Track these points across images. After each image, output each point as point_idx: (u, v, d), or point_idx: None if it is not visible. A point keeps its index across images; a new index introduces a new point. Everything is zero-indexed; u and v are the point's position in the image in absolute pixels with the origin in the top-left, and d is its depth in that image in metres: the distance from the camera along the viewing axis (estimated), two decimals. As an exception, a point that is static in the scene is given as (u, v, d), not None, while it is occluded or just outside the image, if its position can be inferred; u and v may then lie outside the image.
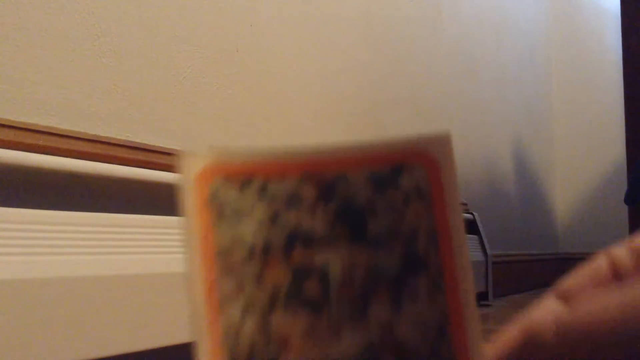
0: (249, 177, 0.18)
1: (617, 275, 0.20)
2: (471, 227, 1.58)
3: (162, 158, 0.74)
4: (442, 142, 0.18)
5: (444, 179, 0.18)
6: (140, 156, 0.71)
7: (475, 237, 1.55)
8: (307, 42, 1.11)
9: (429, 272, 0.18)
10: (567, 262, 2.56)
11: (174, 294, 0.65)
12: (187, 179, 0.18)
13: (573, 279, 0.21)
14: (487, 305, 1.53)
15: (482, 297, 1.55)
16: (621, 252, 0.20)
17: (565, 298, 0.21)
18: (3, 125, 0.57)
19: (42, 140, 0.60)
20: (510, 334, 0.19)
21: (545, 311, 0.20)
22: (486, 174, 1.83)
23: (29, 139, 0.59)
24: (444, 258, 0.18)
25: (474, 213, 1.60)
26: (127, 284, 0.60)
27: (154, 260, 0.64)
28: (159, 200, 0.74)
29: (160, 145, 0.77)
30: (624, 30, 1.07)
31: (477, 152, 1.80)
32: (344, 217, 0.18)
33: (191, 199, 0.18)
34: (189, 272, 0.18)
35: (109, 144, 0.67)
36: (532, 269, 2.16)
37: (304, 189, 0.18)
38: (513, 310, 1.44)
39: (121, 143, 0.69)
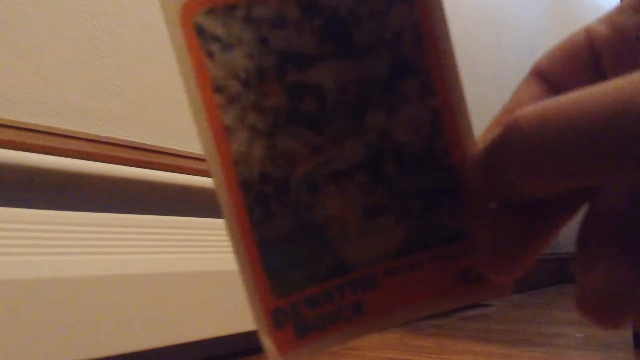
0: (230, 4, 0.18)
1: (594, 53, 0.18)
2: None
3: (162, 158, 0.74)
4: None
5: None
6: (140, 156, 0.71)
7: (475, 236, 1.55)
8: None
9: (417, 74, 0.18)
10: (567, 262, 2.55)
11: (174, 294, 0.65)
12: (171, 19, 0.18)
13: (551, 55, 0.19)
14: (488, 305, 1.53)
15: (482, 296, 1.55)
16: (600, 27, 0.18)
17: (546, 80, 0.19)
18: (3, 125, 0.57)
19: (42, 140, 0.60)
20: (493, 126, 0.19)
21: (527, 98, 0.19)
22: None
23: (29, 139, 0.59)
24: (431, 59, 0.18)
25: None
26: (127, 283, 0.60)
27: (154, 260, 0.64)
28: (159, 200, 0.74)
29: (160, 145, 0.77)
30: (624, 30, 1.07)
31: (477, 152, 1.80)
32: (330, 33, 0.18)
33: (179, 39, 0.18)
34: (191, 107, 0.18)
35: (109, 144, 0.67)
36: (532, 269, 2.16)
37: (287, 9, 0.18)
38: (513, 310, 1.44)
39: (121, 143, 0.69)
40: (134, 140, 0.74)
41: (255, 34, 0.18)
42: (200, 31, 0.18)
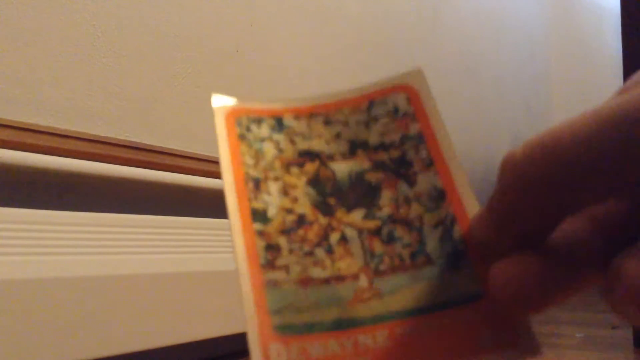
0: (265, 115, 0.23)
1: None
2: (471, 226, 1.57)
3: (162, 158, 0.74)
4: (416, 75, 0.24)
5: (422, 99, 0.23)
6: (140, 156, 0.71)
7: (475, 236, 1.55)
8: (307, 41, 1.11)
9: (422, 163, 0.22)
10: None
11: (174, 294, 0.65)
12: (219, 116, 0.22)
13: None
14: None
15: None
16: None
17: None
18: (3, 125, 0.57)
19: (42, 140, 0.60)
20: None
21: None
22: (485, 173, 1.83)
23: (29, 139, 0.59)
24: (433, 152, 0.22)
25: (474, 213, 1.59)
26: (127, 283, 0.60)
27: (154, 260, 0.64)
28: (159, 200, 0.74)
29: (160, 145, 0.77)
30: (624, 30, 1.07)
31: (477, 151, 1.80)
32: (346, 138, 0.22)
33: (222, 131, 0.22)
34: (223, 176, 0.21)
35: (109, 144, 0.67)
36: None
37: (313, 124, 0.23)
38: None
39: (121, 143, 0.69)
40: (134, 140, 0.74)
41: (286, 137, 0.22)
42: (239, 125, 0.22)
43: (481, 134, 1.87)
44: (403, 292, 0.19)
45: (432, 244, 0.20)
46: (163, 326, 0.63)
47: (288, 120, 0.22)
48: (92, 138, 0.66)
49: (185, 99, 0.83)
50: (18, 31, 0.63)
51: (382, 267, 0.19)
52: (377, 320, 0.19)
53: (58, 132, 0.62)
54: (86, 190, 0.65)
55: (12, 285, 0.50)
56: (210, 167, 0.80)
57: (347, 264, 0.19)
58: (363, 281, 0.19)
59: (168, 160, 0.74)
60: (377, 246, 0.20)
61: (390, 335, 0.18)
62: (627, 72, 1.03)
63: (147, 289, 0.62)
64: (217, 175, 0.83)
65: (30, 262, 0.52)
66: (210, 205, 0.80)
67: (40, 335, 0.52)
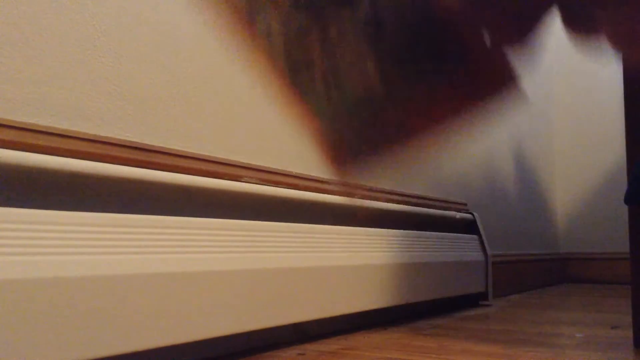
0: None
1: None
2: (471, 227, 1.57)
3: (162, 158, 0.74)
4: None
5: None
6: (140, 156, 0.71)
7: (475, 237, 1.55)
8: (307, 42, 1.11)
9: None
10: (567, 262, 2.55)
11: (174, 294, 0.65)
12: None
13: None
14: (487, 305, 1.53)
15: (482, 297, 1.55)
16: None
17: None
18: (3, 125, 0.57)
19: (42, 140, 0.60)
20: None
21: None
22: (486, 174, 1.83)
23: (29, 139, 0.59)
24: None
25: (474, 213, 1.59)
26: (127, 283, 0.60)
27: (154, 260, 0.64)
28: (159, 200, 0.74)
29: (160, 145, 0.77)
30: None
31: (477, 152, 1.80)
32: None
33: None
34: None
35: (109, 144, 0.67)
36: (532, 269, 2.16)
37: None
38: (513, 310, 1.44)
39: (121, 143, 0.69)
40: (134, 140, 0.74)
41: None
42: None
43: (481, 134, 1.87)
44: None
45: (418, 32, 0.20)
46: (163, 326, 0.63)
47: None
48: (92, 138, 0.66)
49: (185, 99, 0.83)
50: (17, 31, 0.63)
51: None
52: None
53: (58, 132, 0.62)
54: (86, 190, 0.65)
55: (12, 285, 0.50)
56: (210, 167, 0.80)
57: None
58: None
59: (168, 160, 0.74)
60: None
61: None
62: (627, 71, 1.03)
63: (147, 289, 0.62)
64: (217, 175, 0.83)
65: (30, 262, 0.52)
66: (210, 205, 0.80)
67: (40, 335, 0.52)
